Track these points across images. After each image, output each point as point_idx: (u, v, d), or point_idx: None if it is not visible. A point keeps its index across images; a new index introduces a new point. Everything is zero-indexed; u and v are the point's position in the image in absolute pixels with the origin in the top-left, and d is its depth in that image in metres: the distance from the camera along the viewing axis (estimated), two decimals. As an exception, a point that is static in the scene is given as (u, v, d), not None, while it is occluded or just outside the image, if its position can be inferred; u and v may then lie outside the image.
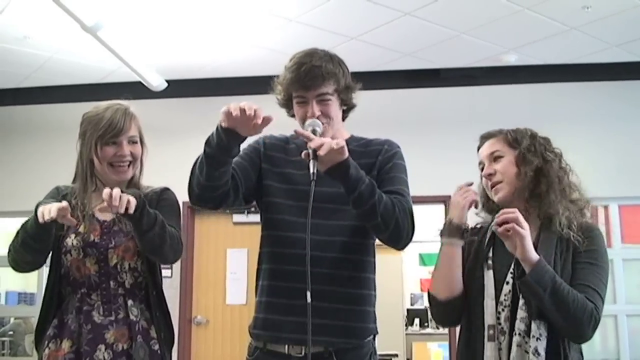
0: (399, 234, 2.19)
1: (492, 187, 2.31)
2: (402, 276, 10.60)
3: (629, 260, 6.52)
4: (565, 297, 2.02)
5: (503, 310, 2.15)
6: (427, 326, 11.33)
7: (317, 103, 2.25)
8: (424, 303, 10.92)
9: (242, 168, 2.30)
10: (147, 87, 6.30)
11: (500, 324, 2.14)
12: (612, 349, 6.35)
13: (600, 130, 6.56)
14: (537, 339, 2.05)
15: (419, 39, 5.88)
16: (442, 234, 2.32)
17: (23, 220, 2.33)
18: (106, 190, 2.14)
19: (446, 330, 8.83)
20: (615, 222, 6.61)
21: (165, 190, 2.58)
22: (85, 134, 2.45)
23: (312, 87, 2.23)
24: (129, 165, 2.47)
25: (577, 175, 2.31)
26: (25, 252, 2.32)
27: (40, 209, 2.16)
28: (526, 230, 2.02)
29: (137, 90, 6.22)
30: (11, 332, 7.22)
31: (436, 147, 6.58)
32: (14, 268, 2.39)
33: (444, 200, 6.54)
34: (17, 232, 2.31)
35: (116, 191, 2.14)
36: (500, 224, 2.05)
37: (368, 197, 2.11)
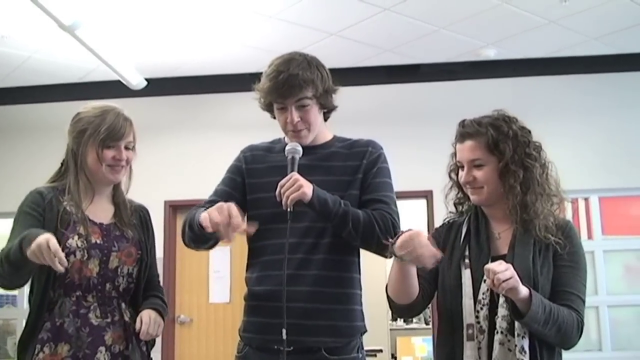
0: (382, 250, 2.23)
1: (471, 188, 2.30)
2: (386, 272, 10.59)
3: (609, 251, 6.56)
4: (556, 321, 2.05)
5: (482, 308, 2.15)
6: (411, 321, 11.37)
7: (296, 109, 2.31)
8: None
9: (226, 195, 2.41)
10: (127, 85, 6.26)
11: (479, 322, 2.15)
12: (594, 340, 6.39)
13: (580, 122, 6.60)
14: (522, 337, 2.06)
15: (398, 34, 5.88)
16: (396, 255, 2.09)
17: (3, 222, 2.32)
18: (140, 324, 2.36)
19: (430, 325, 8.88)
20: (595, 214, 6.65)
21: (147, 212, 2.69)
22: (83, 133, 2.43)
23: (289, 96, 2.29)
24: (122, 168, 2.50)
25: (556, 170, 2.30)
26: (17, 279, 2.26)
27: (34, 249, 2.05)
28: (512, 278, 1.97)
29: (116, 89, 6.18)
30: (-7, 335, 7.17)
31: (417, 142, 6.59)
32: (4, 288, 2.37)
33: (426, 195, 6.57)
34: (1, 261, 2.21)
35: (147, 326, 2.36)
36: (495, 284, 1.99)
37: (342, 226, 2.24)
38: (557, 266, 2.17)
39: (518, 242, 2.19)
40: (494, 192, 2.25)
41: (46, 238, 2.04)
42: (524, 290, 2.00)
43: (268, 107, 2.40)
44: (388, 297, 2.28)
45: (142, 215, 2.63)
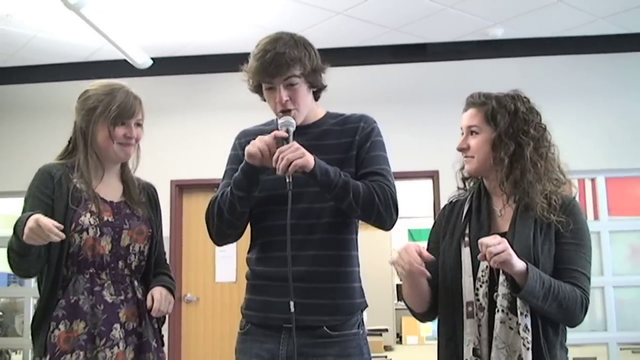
0: (382, 220, 2.27)
1: (465, 157, 2.33)
2: (392, 252, 10.68)
3: (615, 232, 6.57)
4: (557, 297, 2.05)
5: (481, 286, 2.16)
6: (417, 300, 11.38)
7: (285, 88, 2.29)
8: (413, 278, 11.01)
9: None
10: (132, 64, 6.24)
11: (478, 300, 2.15)
12: (600, 320, 6.41)
13: (588, 102, 6.58)
14: (525, 315, 2.06)
15: (405, 13, 5.84)
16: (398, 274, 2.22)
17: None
18: (152, 301, 2.41)
19: (435, 304, 8.91)
20: (602, 195, 6.64)
21: (155, 190, 2.71)
22: (93, 111, 2.43)
23: (277, 75, 2.27)
24: (133, 145, 2.52)
25: (558, 152, 2.29)
26: (28, 266, 2.29)
27: (27, 233, 2.10)
28: (505, 252, 1.98)
29: (122, 68, 6.16)
30: (1, 313, 7.21)
31: (424, 122, 6.58)
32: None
33: (432, 175, 6.56)
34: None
35: (159, 303, 2.41)
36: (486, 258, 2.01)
37: (343, 197, 2.22)
38: (560, 244, 2.16)
39: (519, 219, 2.19)
40: (483, 162, 2.26)
41: (34, 219, 2.08)
42: (519, 264, 2.01)
43: (257, 89, 2.37)
44: (407, 306, 2.36)
45: (150, 193, 2.65)
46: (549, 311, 2.07)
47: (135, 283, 2.47)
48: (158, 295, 2.43)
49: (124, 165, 2.58)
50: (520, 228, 2.17)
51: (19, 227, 2.16)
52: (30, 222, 2.08)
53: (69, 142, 2.54)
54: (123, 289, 2.42)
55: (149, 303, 2.41)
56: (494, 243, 1.97)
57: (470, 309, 2.15)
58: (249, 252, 2.45)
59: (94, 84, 2.51)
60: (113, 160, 2.51)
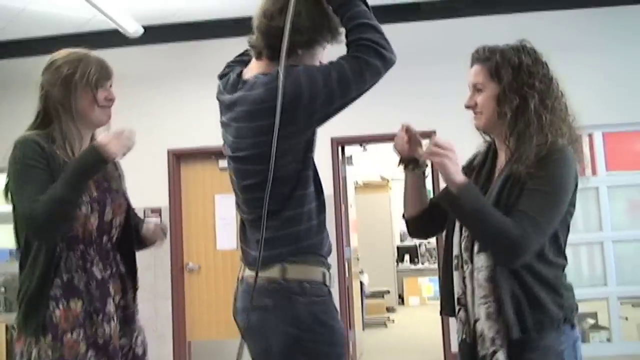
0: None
1: (473, 113, 2.30)
2: (391, 215, 10.72)
3: (613, 187, 6.59)
4: (485, 217, 2.02)
5: (464, 240, 2.20)
6: (417, 262, 11.50)
7: None
8: (414, 240, 11.07)
9: None
10: (124, 34, 6.19)
11: (461, 253, 2.20)
12: (599, 274, 6.46)
13: (583, 57, 6.54)
14: (480, 270, 2.10)
15: (398, -27, 5.78)
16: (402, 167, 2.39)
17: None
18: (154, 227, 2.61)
19: (435, 265, 8.97)
20: (599, 150, 6.66)
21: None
22: (72, 77, 2.35)
23: None
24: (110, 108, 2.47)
25: (565, 101, 2.25)
26: (71, 217, 2.24)
27: (111, 148, 2.25)
28: (446, 156, 2.02)
29: (114, 38, 6.12)
30: (3, 289, 7.23)
31: (420, 81, 6.55)
32: (48, 233, 2.22)
33: (429, 134, 6.55)
34: (54, 210, 2.15)
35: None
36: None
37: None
38: (523, 191, 2.08)
39: (504, 175, 2.16)
40: (491, 118, 2.24)
41: (101, 142, 2.27)
42: (459, 177, 2.04)
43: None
44: (406, 222, 2.45)
45: (115, 162, 2.52)
46: (474, 230, 2.10)
47: (118, 257, 2.46)
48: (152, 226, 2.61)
49: (93, 136, 2.49)
50: (499, 183, 2.15)
51: (81, 162, 2.24)
52: (106, 139, 2.28)
53: (37, 115, 2.44)
54: (109, 263, 2.40)
55: (150, 227, 2.60)
56: (442, 144, 2.03)
57: (456, 261, 2.22)
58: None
59: (58, 54, 2.44)
60: (94, 125, 2.44)
